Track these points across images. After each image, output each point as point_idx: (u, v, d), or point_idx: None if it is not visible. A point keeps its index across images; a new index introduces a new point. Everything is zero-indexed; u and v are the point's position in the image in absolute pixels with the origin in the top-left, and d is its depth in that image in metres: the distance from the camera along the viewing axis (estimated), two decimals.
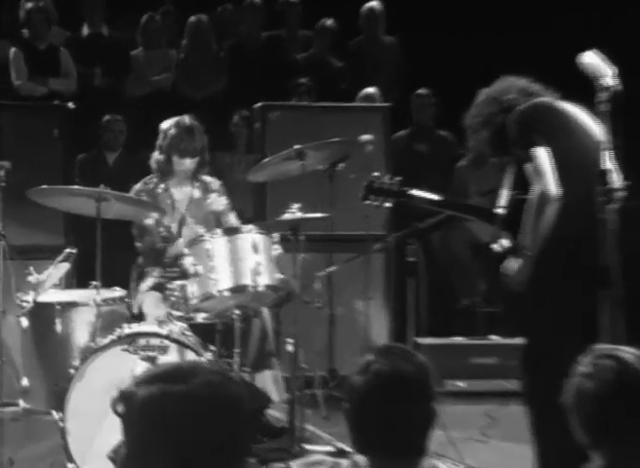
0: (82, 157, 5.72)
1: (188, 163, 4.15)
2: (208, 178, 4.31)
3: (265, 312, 4.00)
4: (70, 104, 5.13)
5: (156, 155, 4.19)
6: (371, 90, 5.98)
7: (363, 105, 5.75)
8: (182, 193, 4.25)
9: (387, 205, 3.36)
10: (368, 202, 3.36)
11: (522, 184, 3.18)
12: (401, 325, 5.07)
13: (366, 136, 4.69)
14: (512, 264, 3.13)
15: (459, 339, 5.10)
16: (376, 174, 3.44)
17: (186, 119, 4.15)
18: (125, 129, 5.80)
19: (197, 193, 4.26)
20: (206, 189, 4.27)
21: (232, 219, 4.25)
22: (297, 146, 4.05)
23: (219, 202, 4.26)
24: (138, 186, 4.24)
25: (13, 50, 6.08)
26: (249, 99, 5.62)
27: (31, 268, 3.74)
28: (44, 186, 3.76)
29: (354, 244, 4.91)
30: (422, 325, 5.32)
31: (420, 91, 6.04)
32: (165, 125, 4.17)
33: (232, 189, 4.60)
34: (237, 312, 3.71)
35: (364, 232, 4.75)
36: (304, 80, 6.11)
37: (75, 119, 5.19)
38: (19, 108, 5.31)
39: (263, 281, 3.70)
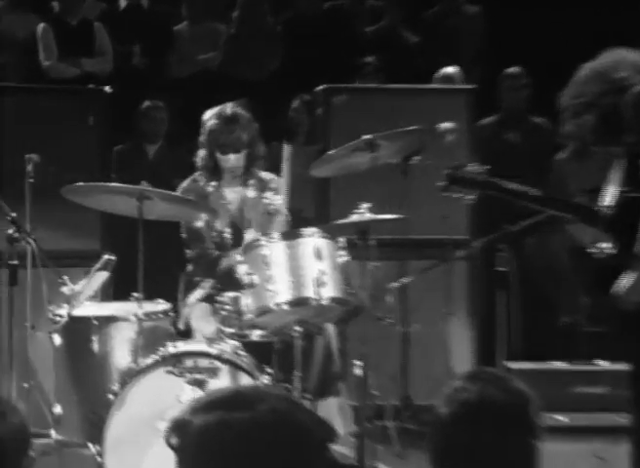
0: (120, 149, 5.80)
1: (234, 159, 4.18)
2: (265, 175, 4.34)
3: (330, 329, 4.03)
4: (107, 88, 5.18)
5: (200, 152, 4.25)
6: (451, 69, 5.98)
7: (442, 87, 5.75)
8: (235, 193, 4.31)
9: (470, 198, 3.34)
10: (448, 193, 3.34)
11: (633, 181, 3.16)
12: (489, 346, 5.05)
13: (446, 124, 4.69)
14: (626, 280, 3.10)
15: (558, 364, 5.05)
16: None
17: (228, 108, 4.18)
18: (167, 117, 5.91)
19: (252, 192, 4.31)
20: (263, 187, 4.31)
21: (279, 220, 4.25)
22: (366, 136, 4.08)
23: (272, 201, 4.30)
24: (185, 184, 4.29)
25: (41, 25, 6.21)
26: (309, 81, 5.67)
27: (65, 278, 3.79)
28: (80, 183, 3.83)
29: (433, 250, 4.92)
30: (514, 346, 5.29)
31: (511, 70, 6.00)
32: (206, 116, 4.22)
33: (291, 186, 4.66)
34: (298, 329, 3.74)
35: (444, 236, 4.76)
36: (371, 59, 6.14)
37: (112, 104, 5.24)
38: (48, 93, 5.39)
39: (328, 293, 3.72)
